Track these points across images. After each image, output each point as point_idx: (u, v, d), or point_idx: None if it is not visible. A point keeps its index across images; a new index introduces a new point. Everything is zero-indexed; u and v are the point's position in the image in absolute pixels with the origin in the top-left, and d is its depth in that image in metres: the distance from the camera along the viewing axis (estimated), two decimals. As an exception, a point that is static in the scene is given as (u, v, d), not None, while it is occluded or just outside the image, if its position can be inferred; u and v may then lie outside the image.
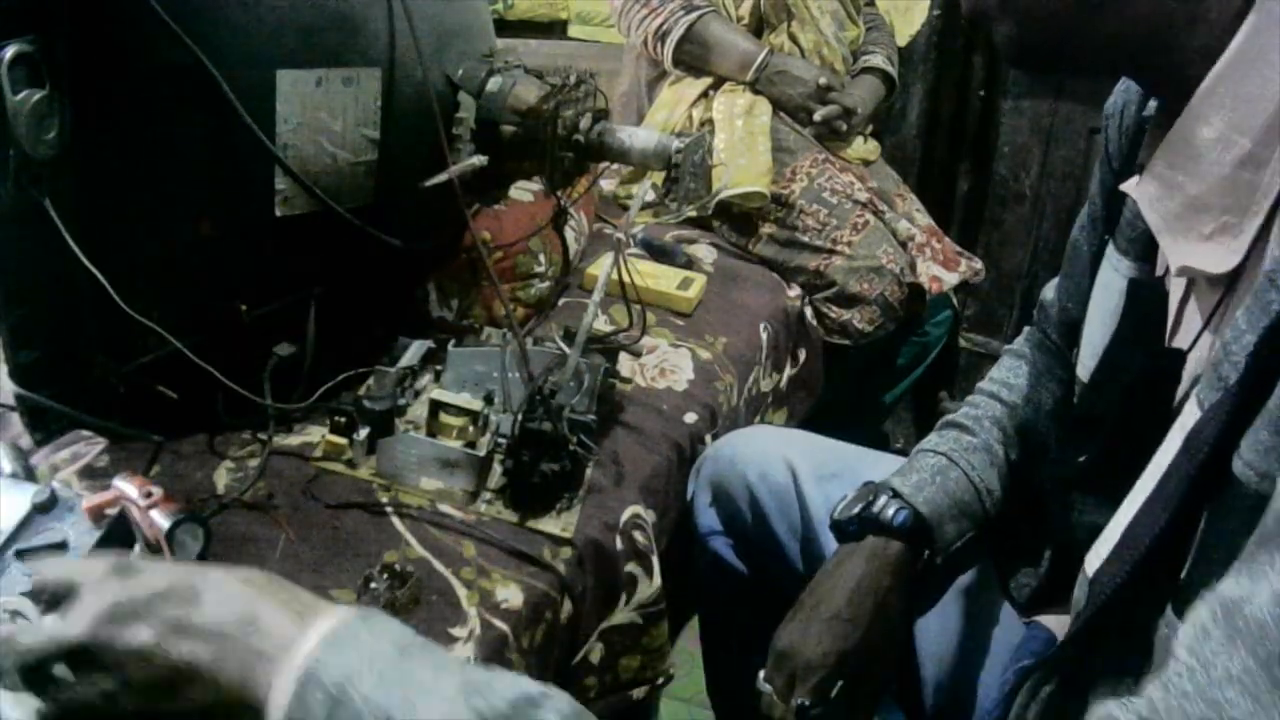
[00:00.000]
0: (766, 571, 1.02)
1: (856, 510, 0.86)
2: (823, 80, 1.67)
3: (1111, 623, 0.58)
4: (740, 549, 1.04)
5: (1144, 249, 0.69)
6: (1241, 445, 0.48)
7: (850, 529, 0.87)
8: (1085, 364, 0.75)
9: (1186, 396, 0.59)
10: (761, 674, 0.84)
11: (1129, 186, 0.64)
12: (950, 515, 0.86)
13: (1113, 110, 0.77)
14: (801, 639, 0.82)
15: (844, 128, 1.71)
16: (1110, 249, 0.73)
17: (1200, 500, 0.51)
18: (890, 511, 0.85)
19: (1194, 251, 0.57)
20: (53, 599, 0.54)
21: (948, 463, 0.88)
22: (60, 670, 0.50)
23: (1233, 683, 0.41)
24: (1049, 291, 0.95)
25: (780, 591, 0.97)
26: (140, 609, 0.50)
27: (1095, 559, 0.61)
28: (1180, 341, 0.62)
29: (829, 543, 0.94)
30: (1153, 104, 0.70)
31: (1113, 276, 0.72)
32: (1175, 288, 0.64)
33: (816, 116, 1.68)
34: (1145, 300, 0.67)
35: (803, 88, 1.68)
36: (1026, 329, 0.99)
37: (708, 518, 1.05)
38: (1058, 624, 0.82)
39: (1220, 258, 0.56)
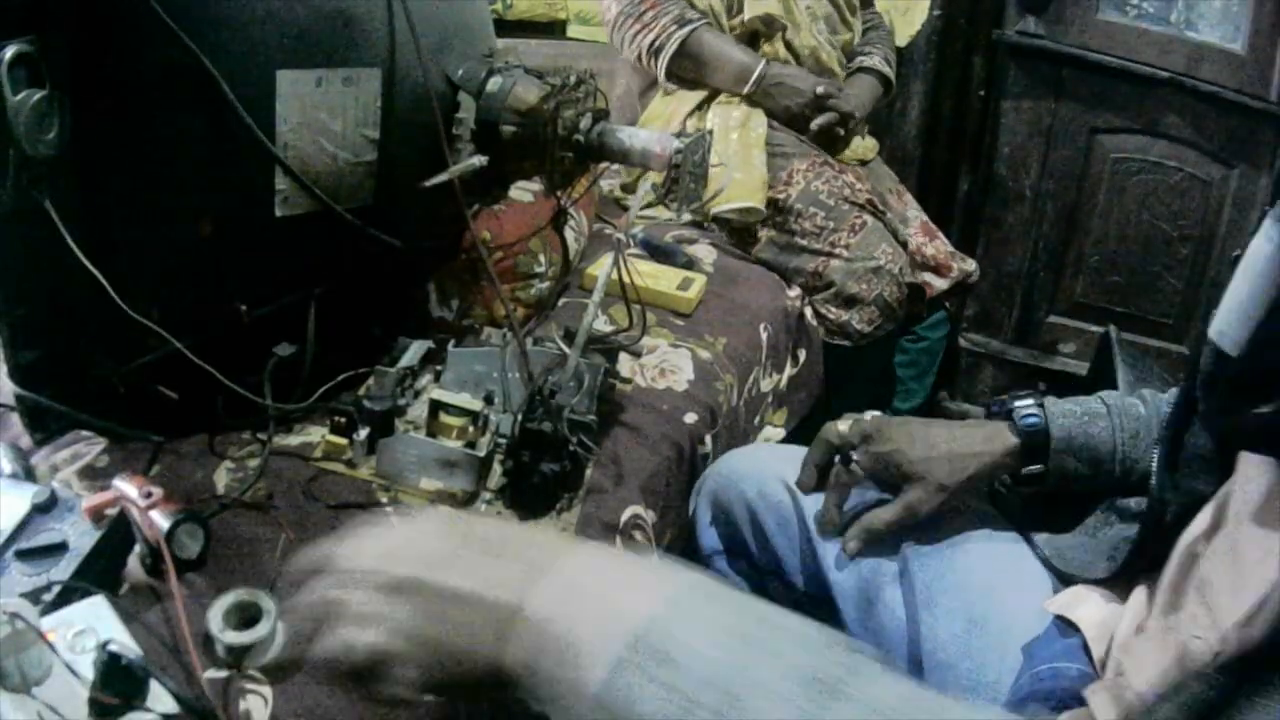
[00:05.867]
0: (767, 588, 1.02)
1: (1005, 398, 0.92)
2: (820, 89, 1.67)
3: None
4: (742, 567, 1.04)
5: None
6: None
7: (992, 409, 0.93)
8: (1225, 326, 0.73)
9: None
10: (844, 426, 0.92)
11: None
12: (1075, 451, 0.87)
13: None
14: (909, 442, 0.90)
15: (842, 133, 1.71)
16: (1268, 222, 0.72)
17: None
18: (1024, 411, 0.89)
19: None
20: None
21: (1104, 411, 0.89)
22: None
23: None
24: None
25: (781, 605, 0.97)
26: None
27: None
28: None
29: (828, 557, 0.95)
30: None
31: (1261, 243, 0.70)
32: None
33: (814, 125, 1.68)
34: None
35: (800, 98, 1.67)
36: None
37: (709, 537, 1.05)
38: (1096, 610, 0.81)
39: None
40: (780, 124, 1.70)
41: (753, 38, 1.71)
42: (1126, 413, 0.89)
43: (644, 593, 0.47)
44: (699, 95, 1.69)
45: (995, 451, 0.89)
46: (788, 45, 1.71)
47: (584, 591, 0.48)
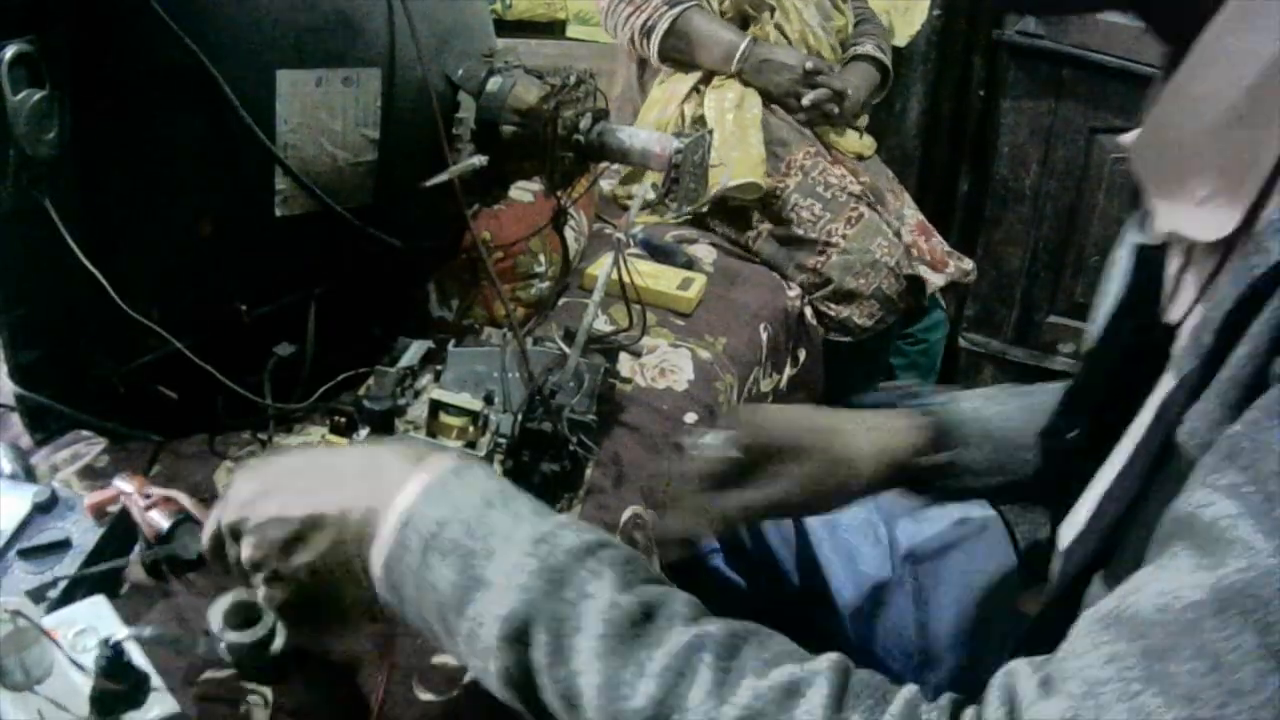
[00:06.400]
0: (762, 585, 1.02)
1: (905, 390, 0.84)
2: (809, 65, 1.67)
3: (1080, 599, 0.56)
4: (737, 564, 1.04)
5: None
6: (1189, 411, 0.46)
7: (886, 400, 0.83)
8: (1091, 337, 0.73)
9: None
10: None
11: (1126, 138, 0.59)
12: (987, 441, 0.79)
13: None
14: (764, 414, 0.83)
15: (836, 111, 1.71)
16: (1127, 225, 0.71)
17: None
18: (923, 398, 0.81)
19: (1185, 216, 0.52)
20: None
21: (1026, 390, 0.82)
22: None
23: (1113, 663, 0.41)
24: None
25: (777, 604, 0.97)
26: (270, 487, 0.61)
27: (1070, 531, 0.59)
28: (1176, 313, 0.57)
29: (822, 553, 0.94)
30: None
31: (1123, 251, 0.70)
32: (1174, 256, 0.59)
33: (805, 101, 1.68)
34: (1146, 269, 0.63)
35: (789, 74, 1.67)
36: None
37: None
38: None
39: (1212, 224, 0.50)
40: (774, 103, 1.70)
41: (744, 22, 1.72)
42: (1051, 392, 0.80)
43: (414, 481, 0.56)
44: (694, 77, 1.70)
45: (894, 427, 0.79)
46: (778, 29, 1.71)
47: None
